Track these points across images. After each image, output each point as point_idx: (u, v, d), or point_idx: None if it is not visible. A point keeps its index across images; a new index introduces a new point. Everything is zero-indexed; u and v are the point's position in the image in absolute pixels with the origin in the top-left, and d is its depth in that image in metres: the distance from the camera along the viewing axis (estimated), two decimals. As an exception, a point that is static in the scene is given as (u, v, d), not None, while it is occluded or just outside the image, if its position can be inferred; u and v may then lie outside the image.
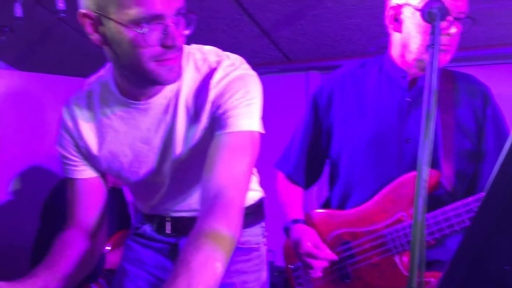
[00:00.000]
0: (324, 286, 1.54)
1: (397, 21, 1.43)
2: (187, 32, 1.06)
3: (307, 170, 1.67)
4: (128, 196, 2.61)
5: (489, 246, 0.65)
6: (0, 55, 3.75)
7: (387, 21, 1.47)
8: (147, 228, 1.41)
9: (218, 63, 1.14)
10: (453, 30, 1.34)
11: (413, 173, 1.39)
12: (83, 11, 1.02)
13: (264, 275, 1.45)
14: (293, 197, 1.67)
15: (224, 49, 1.21)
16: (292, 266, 1.62)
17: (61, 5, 2.49)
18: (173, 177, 1.24)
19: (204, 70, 1.15)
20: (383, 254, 1.44)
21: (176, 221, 1.35)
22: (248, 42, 2.88)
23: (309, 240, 1.49)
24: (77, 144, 1.23)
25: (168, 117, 1.16)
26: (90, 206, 1.27)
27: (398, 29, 1.44)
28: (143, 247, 1.43)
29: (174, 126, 1.16)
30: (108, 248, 2.39)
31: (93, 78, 1.24)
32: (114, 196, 2.53)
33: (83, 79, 1.27)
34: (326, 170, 1.70)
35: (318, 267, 1.48)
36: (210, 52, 1.18)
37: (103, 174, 1.29)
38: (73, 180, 1.26)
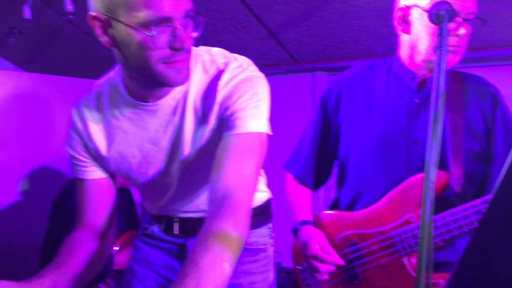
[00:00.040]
0: (332, 287, 1.54)
1: (406, 23, 1.43)
2: (195, 34, 1.06)
3: (316, 171, 1.67)
4: (136, 196, 2.63)
5: (497, 247, 0.65)
6: (8, 56, 3.78)
7: (395, 23, 1.46)
8: (155, 229, 1.42)
9: (226, 65, 1.15)
10: (462, 31, 1.33)
11: (421, 175, 1.38)
12: (93, 13, 1.03)
13: (271, 276, 1.45)
14: (301, 198, 1.67)
15: (231, 50, 1.21)
16: (300, 267, 1.62)
17: (69, 7, 2.51)
18: (181, 178, 1.24)
19: (212, 71, 1.15)
20: (392, 255, 1.43)
21: (183, 221, 1.36)
22: (254, 44, 2.89)
23: (317, 243, 1.48)
24: (86, 145, 1.24)
25: (176, 119, 1.17)
26: (99, 207, 1.28)
27: (407, 31, 1.43)
28: (151, 247, 1.43)
29: (182, 127, 1.17)
30: (116, 248, 2.40)
31: (102, 79, 1.25)
32: (122, 196, 2.54)
33: (91, 80, 1.27)
34: (334, 171, 1.70)
35: (324, 271, 1.48)
36: (218, 54, 1.19)
37: (112, 175, 1.30)
38: (82, 180, 1.27)
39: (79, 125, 1.23)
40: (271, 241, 1.47)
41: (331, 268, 1.48)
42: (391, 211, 1.44)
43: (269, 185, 1.48)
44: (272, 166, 1.56)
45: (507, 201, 0.64)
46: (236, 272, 0.97)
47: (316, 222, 1.59)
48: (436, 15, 1.11)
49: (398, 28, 1.46)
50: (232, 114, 1.10)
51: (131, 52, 1.02)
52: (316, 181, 1.69)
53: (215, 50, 1.21)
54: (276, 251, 1.52)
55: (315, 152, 1.65)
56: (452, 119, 1.43)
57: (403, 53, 1.49)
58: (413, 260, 1.41)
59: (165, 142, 1.20)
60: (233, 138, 1.09)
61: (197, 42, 1.13)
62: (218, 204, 1.01)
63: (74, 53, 3.49)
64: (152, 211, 1.42)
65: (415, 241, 1.39)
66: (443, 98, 0.96)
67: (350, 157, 1.55)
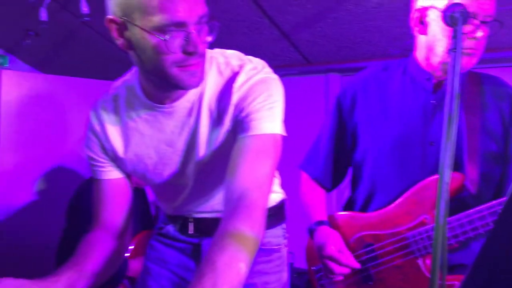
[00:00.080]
0: (346, 288, 1.55)
1: (423, 24, 1.42)
2: (209, 39, 1.07)
3: (333, 172, 1.67)
4: (150, 196, 2.65)
5: (512, 249, 0.65)
6: (25, 58, 3.84)
7: (412, 24, 1.45)
8: (170, 229, 1.44)
9: (241, 67, 1.16)
10: (479, 34, 1.32)
11: (436, 176, 1.38)
12: (110, 16, 1.05)
13: (285, 276, 1.46)
14: (317, 198, 1.67)
15: (244, 52, 1.22)
16: (315, 268, 1.62)
17: (85, 9, 2.55)
18: (196, 179, 1.26)
19: (227, 74, 1.16)
20: (406, 256, 1.43)
21: (198, 221, 1.37)
22: (268, 45, 2.89)
23: (334, 244, 1.48)
24: (104, 147, 1.26)
25: (192, 120, 1.18)
26: (116, 207, 1.30)
27: (424, 32, 1.42)
28: (166, 246, 1.45)
29: (197, 129, 1.18)
30: (131, 247, 2.42)
31: (119, 81, 1.27)
32: (137, 196, 2.56)
33: (106, 81, 1.29)
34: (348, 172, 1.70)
35: (339, 272, 1.48)
36: (233, 56, 1.20)
37: (128, 175, 1.32)
38: (99, 180, 1.29)
39: (97, 127, 1.25)
40: (285, 241, 1.47)
41: (347, 270, 1.48)
42: (406, 212, 1.44)
43: (283, 185, 1.49)
44: (285, 167, 1.56)
45: (523, 203, 0.64)
46: (250, 272, 0.98)
47: (331, 223, 1.59)
48: (450, 17, 1.10)
49: (415, 29, 1.45)
50: (247, 116, 1.11)
51: (146, 55, 1.04)
52: (333, 181, 1.69)
53: (230, 52, 1.22)
54: (289, 252, 1.53)
55: (332, 152, 1.65)
56: (468, 119, 1.41)
57: (420, 54, 1.48)
58: (428, 261, 1.40)
59: (181, 143, 1.21)
60: (248, 139, 1.10)
61: (211, 44, 1.15)
62: (234, 205, 1.02)
63: (90, 54, 3.53)
64: (167, 211, 1.43)
65: (430, 242, 1.38)
66: (457, 100, 0.96)
67: (366, 158, 1.55)
